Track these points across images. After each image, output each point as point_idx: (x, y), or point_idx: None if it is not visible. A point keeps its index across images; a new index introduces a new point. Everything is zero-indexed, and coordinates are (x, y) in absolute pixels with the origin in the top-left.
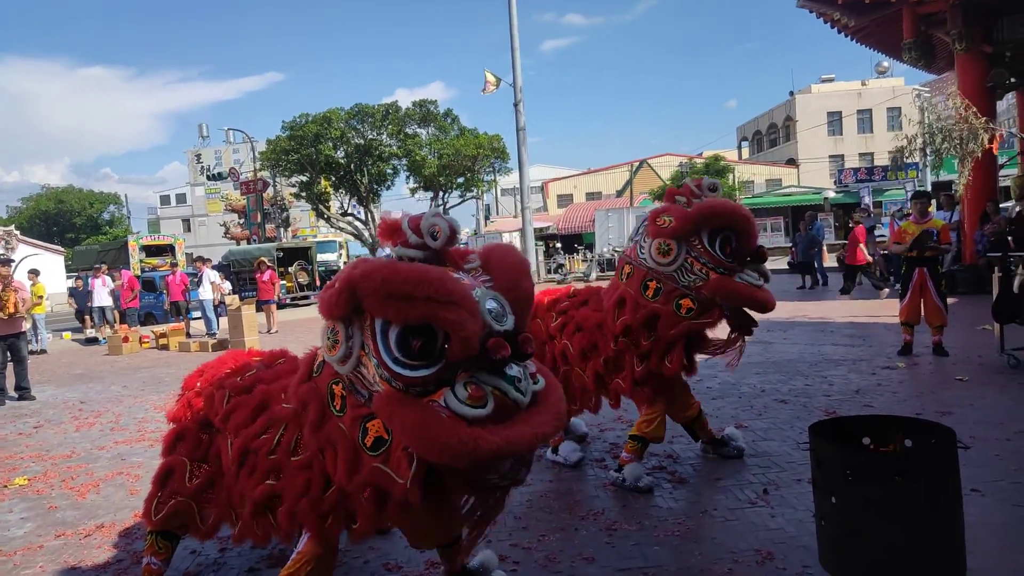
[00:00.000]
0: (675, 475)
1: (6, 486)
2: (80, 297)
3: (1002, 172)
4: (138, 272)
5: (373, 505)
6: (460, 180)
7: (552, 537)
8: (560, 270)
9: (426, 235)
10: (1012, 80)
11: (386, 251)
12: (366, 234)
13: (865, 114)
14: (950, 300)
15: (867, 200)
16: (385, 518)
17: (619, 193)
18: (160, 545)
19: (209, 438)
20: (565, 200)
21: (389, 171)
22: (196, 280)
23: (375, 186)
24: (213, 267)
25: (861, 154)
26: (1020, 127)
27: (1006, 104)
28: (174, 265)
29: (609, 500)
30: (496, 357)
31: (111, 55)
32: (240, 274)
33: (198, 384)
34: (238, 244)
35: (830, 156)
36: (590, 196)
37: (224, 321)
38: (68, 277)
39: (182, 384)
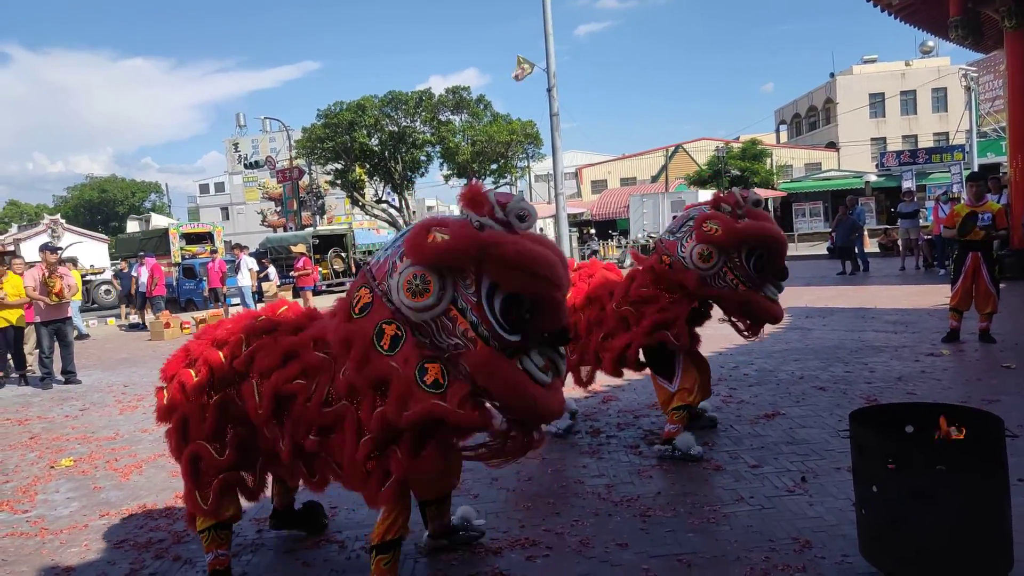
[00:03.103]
0: (711, 462)
1: (53, 467)
2: (125, 281)
3: None
4: (178, 259)
5: (411, 448)
6: (494, 166)
7: (586, 522)
8: (594, 256)
9: (512, 216)
10: None
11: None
12: (400, 221)
13: (909, 95)
14: (999, 286)
15: (910, 184)
16: (419, 462)
17: (654, 178)
18: (221, 536)
19: (219, 398)
20: (599, 186)
21: (423, 158)
22: (234, 267)
23: (409, 173)
24: (250, 254)
25: (904, 136)
26: None
27: None
28: (213, 252)
29: (644, 486)
30: (567, 335)
31: (151, 47)
32: (277, 261)
33: (186, 359)
34: (275, 232)
35: (872, 139)
36: (624, 182)
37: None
38: (112, 264)
39: (162, 373)
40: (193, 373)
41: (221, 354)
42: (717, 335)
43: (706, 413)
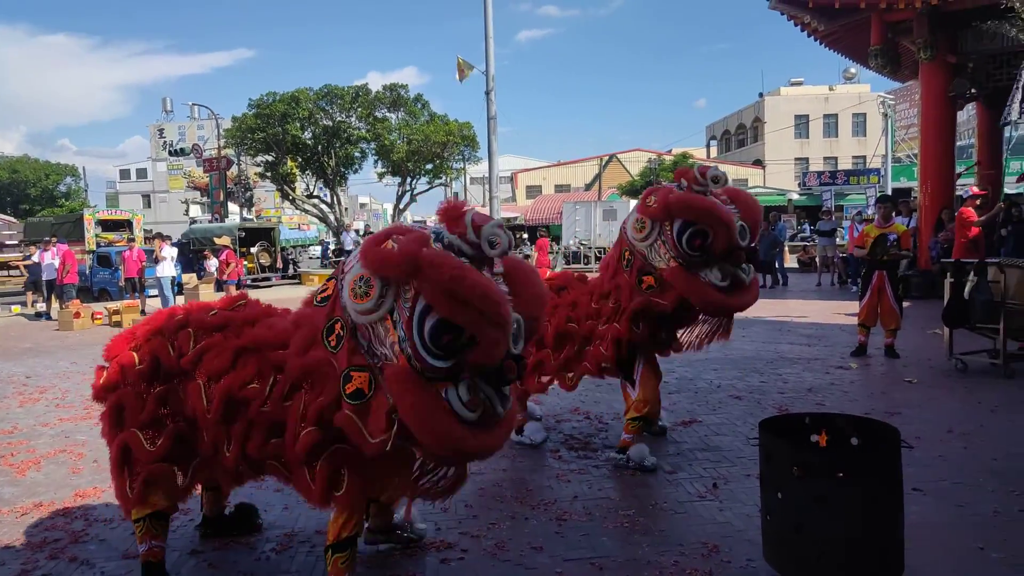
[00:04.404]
0: (627, 468)
1: None
2: (34, 268)
3: (958, 182)
4: (93, 247)
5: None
6: (429, 166)
7: (502, 525)
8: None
9: (484, 240)
10: (973, 91)
11: (351, 235)
12: (331, 217)
13: (831, 119)
14: (904, 304)
15: (829, 203)
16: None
17: (588, 187)
18: (157, 526)
19: (161, 390)
20: (534, 191)
21: (357, 154)
22: (154, 257)
23: (342, 169)
24: (172, 245)
25: (826, 158)
26: (978, 137)
27: (966, 115)
28: (131, 241)
29: (560, 490)
30: (506, 376)
31: (75, 23)
32: (200, 252)
33: (130, 341)
34: (199, 223)
35: (796, 158)
36: (559, 188)
37: (181, 300)
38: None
39: (105, 352)
40: (136, 357)
41: (170, 346)
42: None
43: (659, 422)
